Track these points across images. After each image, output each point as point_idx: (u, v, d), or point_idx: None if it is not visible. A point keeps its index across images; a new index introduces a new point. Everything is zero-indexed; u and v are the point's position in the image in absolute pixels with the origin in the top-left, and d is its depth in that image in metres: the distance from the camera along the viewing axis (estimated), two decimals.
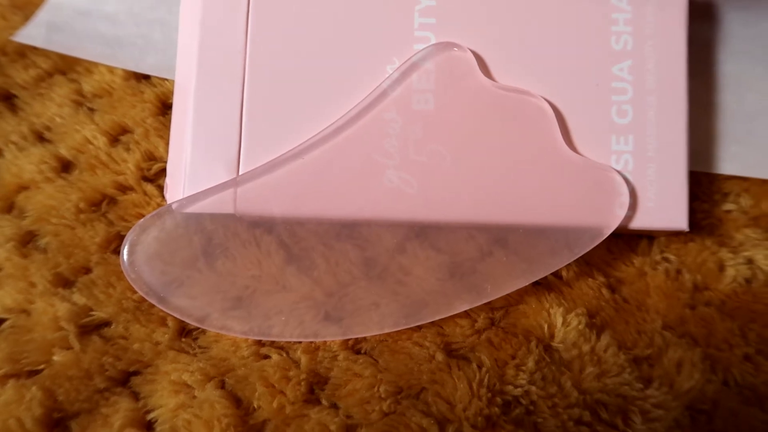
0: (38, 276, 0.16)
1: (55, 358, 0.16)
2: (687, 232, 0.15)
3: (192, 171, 0.15)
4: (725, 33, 0.18)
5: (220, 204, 0.15)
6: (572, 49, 0.16)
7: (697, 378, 0.15)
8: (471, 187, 0.15)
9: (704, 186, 0.17)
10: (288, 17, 0.16)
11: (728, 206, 0.17)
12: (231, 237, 0.16)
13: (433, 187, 0.15)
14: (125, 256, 0.15)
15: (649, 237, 0.17)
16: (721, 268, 0.17)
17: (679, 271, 0.17)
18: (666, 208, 0.15)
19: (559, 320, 0.16)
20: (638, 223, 0.15)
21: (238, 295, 0.16)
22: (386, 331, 0.16)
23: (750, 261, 0.17)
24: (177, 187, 0.16)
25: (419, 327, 0.16)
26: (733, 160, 0.17)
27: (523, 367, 0.15)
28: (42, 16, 0.19)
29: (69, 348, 0.16)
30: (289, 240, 0.16)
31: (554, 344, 0.16)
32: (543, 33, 0.16)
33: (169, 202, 0.16)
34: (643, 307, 0.16)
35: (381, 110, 0.15)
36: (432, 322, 0.16)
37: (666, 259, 0.17)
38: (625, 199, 0.15)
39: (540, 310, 0.16)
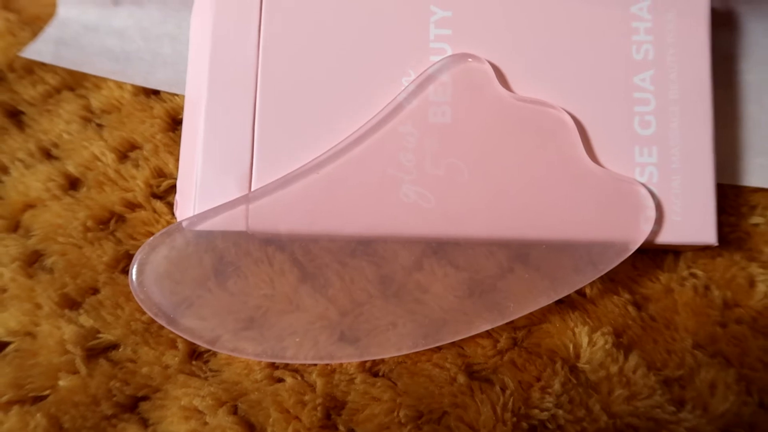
0: (44, 297, 0.16)
1: (60, 383, 0.15)
2: (715, 247, 0.15)
3: (203, 187, 0.15)
4: (747, 42, 0.18)
5: (232, 221, 0.15)
6: (592, 59, 0.15)
7: (732, 400, 0.15)
8: (490, 202, 0.15)
9: (730, 199, 0.17)
10: (300, 29, 0.15)
11: (756, 219, 0.17)
12: (243, 255, 0.15)
13: (450, 201, 0.15)
14: (134, 276, 0.14)
15: (674, 252, 0.16)
16: (752, 283, 0.16)
17: (707, 288, 0.16)
18: (693, 221, 0.15)
19: (584, 340, 0.15)
20: (665, 237, 0.15)
21: (250, 315, 0.15)
22: (404, 352, 0.15)
23: None
24: (187, 204, 0.15)
25: (439, 348, 0.15)
26: (759, 172, 0.17)
27: (549, 390, 0.15)
28: (50, 31, 0.19)
29: (75, 372, 0.15)
30: (302, 258, 0.16)
31: (580, 365, 0.15)
32: (562, 43, 0.15)
33: (179, 219, 0.15)
34: (672, 326, 0.16)
35: (397, 123, 0.15)
36: (452, 343, 0.15)
37: (693, 275, 0.16)
38: (651, 213, 0.14)
39: (564, 329, 0.15)
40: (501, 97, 0.15)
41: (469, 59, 0.15)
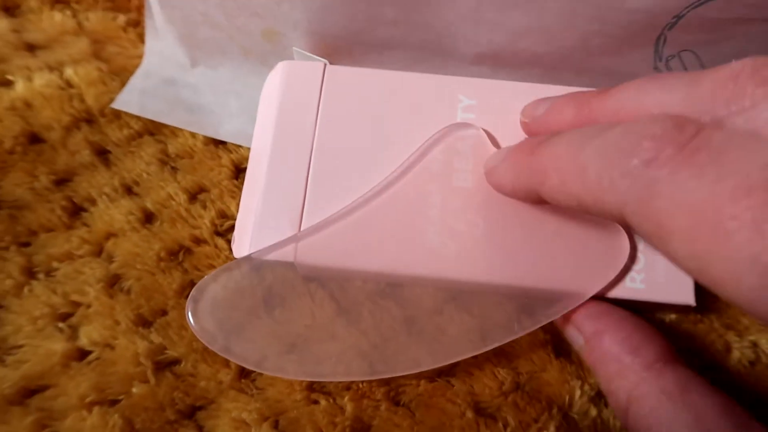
0: (122, 315, 0.19)
1: (134, 389, 0.18)
2: (694, 308, 0.17)
3: (258, 229, 0.18)
4: None
5: (283, 256, 0.17)
6: None
7: None
8: (500, 253, 0.17)
9: None
10: (351, 107, 0.18)
11: None
12: (288, 289, 0.18)
13: (466, 250, 0.17)
14: (190, 310, 0.17)
15: (661, 319, 0.19)
16: (728, 349, 0.18)
17: (689, 350, 0.18)
18: (675, 283, 0.17)
19: (577, 393, 0.18)
20: (648, 295, 0.17)
21: (292, 341, 0.18)
22: (422, 385, 0.17)
23: (755, 344, 0.18)
24: (244, 242, 0.18)
25: (452, 385, 0.18)
26: None
27: (545, 431, 0.17)
28: (135, 82, 0.22)
29: (146, 381, 0.18)
30: (339, 295, 0.18)
31: (572, 414, 0.17)
32: None
33: (235, 254, 0.18)
34: None
35: (424, 183, 0.18)
36: (463, 381, 0.18)
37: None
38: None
39: (562, 381, 0.18)
40: None
41: (467, 128, 0.18)
